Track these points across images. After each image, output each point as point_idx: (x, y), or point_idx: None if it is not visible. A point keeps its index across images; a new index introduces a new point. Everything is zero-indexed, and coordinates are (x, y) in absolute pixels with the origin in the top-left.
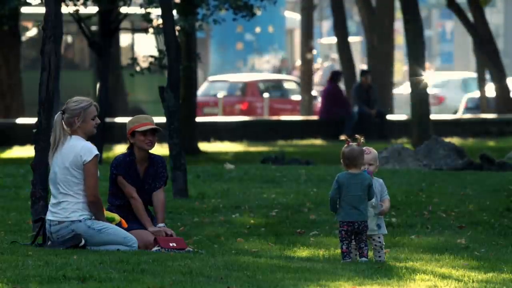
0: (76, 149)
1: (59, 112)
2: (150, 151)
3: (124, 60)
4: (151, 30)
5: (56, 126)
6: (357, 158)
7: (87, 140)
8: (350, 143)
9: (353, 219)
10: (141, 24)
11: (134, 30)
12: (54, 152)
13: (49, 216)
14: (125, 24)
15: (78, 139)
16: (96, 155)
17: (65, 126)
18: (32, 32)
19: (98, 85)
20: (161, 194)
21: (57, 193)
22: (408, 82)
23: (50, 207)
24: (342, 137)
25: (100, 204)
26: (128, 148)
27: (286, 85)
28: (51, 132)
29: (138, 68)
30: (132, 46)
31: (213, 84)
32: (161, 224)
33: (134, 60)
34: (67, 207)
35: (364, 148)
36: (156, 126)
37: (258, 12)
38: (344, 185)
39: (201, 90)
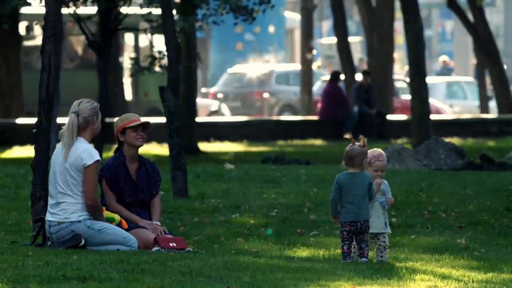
0: (78, 151)
1: (74, 115)
2: (140, 154)
3: (144, 60)
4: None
5: (74, 128)
6: (355, 158)
7: (91, 142)
8: (355, 143)
9: (356, 219)
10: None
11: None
12: (67, 154)
13: (48, 217)
14: (143, 24)
15: (82, 141)
16: (97, 160)
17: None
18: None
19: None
20: (157, 200)
21: (55, 192)
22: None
23: (49, 208)
24: (347, 136)
25: (98, 208)
26: (116, 151)
27: (397, 84)
28: (64, 133)
29: (157, 68)
30: (151, 46)
31: None
32: (155, 221)
33: (136, 59)
34: (66, 208)
35: (377, 154)
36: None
37: (256, 14)
38: (344, 185)
39: (316, 87)
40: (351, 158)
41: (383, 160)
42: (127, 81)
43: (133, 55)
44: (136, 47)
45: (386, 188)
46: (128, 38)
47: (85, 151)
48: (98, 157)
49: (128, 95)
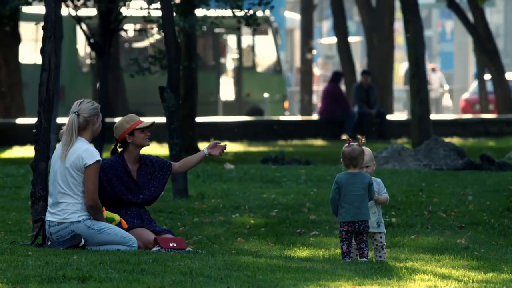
0: (79, 151)
1: (74, 114)
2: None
3: (247, 61)
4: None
5: (74, 128)
6: (358, 158)
7: (91, 142)
8: (351, 143)
9: (354, 219)
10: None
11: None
12: (65, 154)
13: (48, 217)
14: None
15: (83, 141)
16: (98, 160)
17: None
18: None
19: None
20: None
21: (56, 192)
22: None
23: (48, 208)
24: (344, 137)
25: (99, 208)
26: (112, 152)
27: None
28: (64, 133)
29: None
30: (252, 48)
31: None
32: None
33: (136, 60)
34: (66, 208)
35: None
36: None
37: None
38: (343, 185)
39: (472, 88)
40: (355, 159)
41: (365, 155)
42: (230, 81)
43: (236, 56)
44: (240, 48)
45: (378, 186)
46: (231, 39)
47: (86, 151)
48: (99, 157)
49: (230, 95)
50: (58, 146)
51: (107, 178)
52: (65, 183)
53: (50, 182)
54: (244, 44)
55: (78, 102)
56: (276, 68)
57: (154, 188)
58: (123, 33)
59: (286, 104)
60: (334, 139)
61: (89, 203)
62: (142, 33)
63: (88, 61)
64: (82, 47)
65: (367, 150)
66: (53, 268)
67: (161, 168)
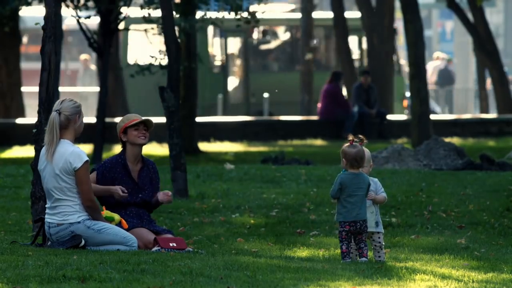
0: (65, 155)
1: (55, 113)
2: (143, 154)
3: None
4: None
5: (55, 126)
6: (364, 159)
7: (74, 142)
8: (354, 143)
9: (356, 219)
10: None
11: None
12: (50, 153)
13: (47, 219)
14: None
15: (67, 143)
16: (86, 161)
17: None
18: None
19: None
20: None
21: (51, 198)
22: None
23: (47, 210)
24: (350, 137)
25: (96, 207)
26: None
27: None
28: (46, 132)
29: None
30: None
31: None
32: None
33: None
34: (64, 211)
35: None
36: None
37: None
38: (347, 186)
39: None
40: (361, 159)
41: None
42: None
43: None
44: (360, 49)
45: (375, 185)
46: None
47: (72, 154)
48: (86, 158)
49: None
50: (42, 151)
51: (105, 180)
52: (58, 189)
53: (44, 186)
54: (364, 45)
55: (60, 100)
56: (396, 68)
57: (153, 193)
58: (253, 35)
59: (405, 103)
60: (334, 139)
61: (86, 204)
62: (269, 35)
63: (219, 63)
64: (216, 48)
65: (366, 150)
66: (53, 268)
67: (157, 179)
